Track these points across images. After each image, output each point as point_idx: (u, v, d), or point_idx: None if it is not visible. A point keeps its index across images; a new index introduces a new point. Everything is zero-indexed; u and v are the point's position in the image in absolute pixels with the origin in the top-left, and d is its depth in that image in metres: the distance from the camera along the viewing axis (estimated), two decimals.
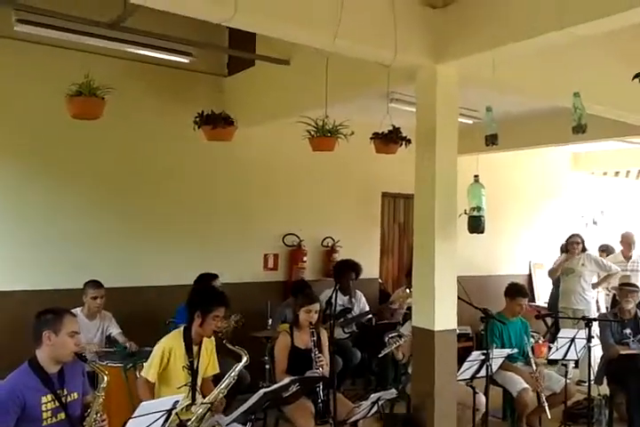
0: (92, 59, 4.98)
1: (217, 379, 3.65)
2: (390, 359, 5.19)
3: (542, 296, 8.90)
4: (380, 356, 4.81)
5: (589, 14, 3.05)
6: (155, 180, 5.74)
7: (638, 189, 10.59)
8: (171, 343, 3.51)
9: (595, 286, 6.95)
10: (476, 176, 3.85)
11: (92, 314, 4.69)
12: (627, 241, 7.28)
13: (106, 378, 2.80)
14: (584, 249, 6.91)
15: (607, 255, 7.74)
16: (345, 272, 6.07)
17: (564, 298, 6.94)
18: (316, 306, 4.23)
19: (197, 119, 5.03)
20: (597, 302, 7.55)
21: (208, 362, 3.65)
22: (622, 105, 4.77)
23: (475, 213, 3.82)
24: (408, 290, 6.06)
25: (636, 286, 5.39)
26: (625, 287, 5.32)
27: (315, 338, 4.10)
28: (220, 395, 3.38)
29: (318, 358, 4.03)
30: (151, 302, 5.39)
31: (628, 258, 7.21)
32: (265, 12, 3.17)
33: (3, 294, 4.91)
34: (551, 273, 7.14)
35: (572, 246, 6.85)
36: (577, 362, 5.78)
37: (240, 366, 3.47)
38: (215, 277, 5.22)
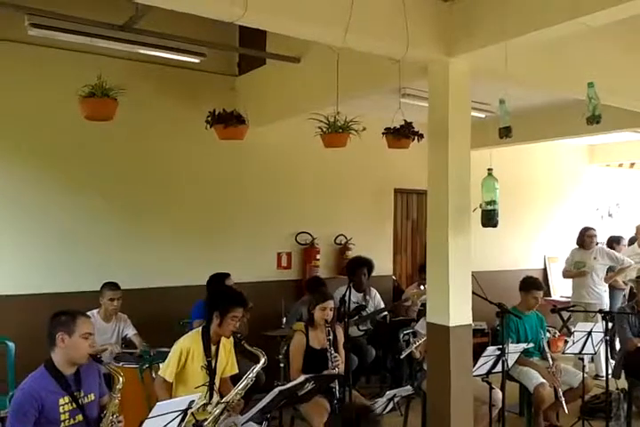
0: (105, 61, 5.02)
1: (234, 379, 3.67)
2: (405, 356, 5.18)
3: (558, 290, 8.84)
4: (401, 357, 4.81)
5: (602, 3, 3.01)
6: (168, 180, 5.76)
7: None
8: (189, 343, 3.53)
9: (607, 279, 6.90)
10: (489, 169, 3.81)
11: (109, 316, 4.70)
12: None
13: (121, 379, 2.81)
14: (596, 242, 6.88)
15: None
16: (357, 269, 6.06)
17: (575, 292, 6.94)
18: (331, 303, 4.22)
19: (209, 118, 5.04)
20: (625, 295, 7.42)
21: (227, 362, 3.66)
22: (636, 95, 4.71)
23: (488, 207, 3.79)
24: (422, 287, 6.05)
25: None
26: None
27: (331, 337, 4.09)
28: (238, 396, 3.38)
29: (334, 357, 4.02)
30: (165, 302, 5.42)
31: None
32: (275, 10, 3.16)
33: (17, 298, 4.94)
34: (566, 274, 7.09)
35: (590, 239, 6.80)
36: (592, 356, 5.73)
37: (258, 367, 3.47)
38: (227, 275, 5.23)
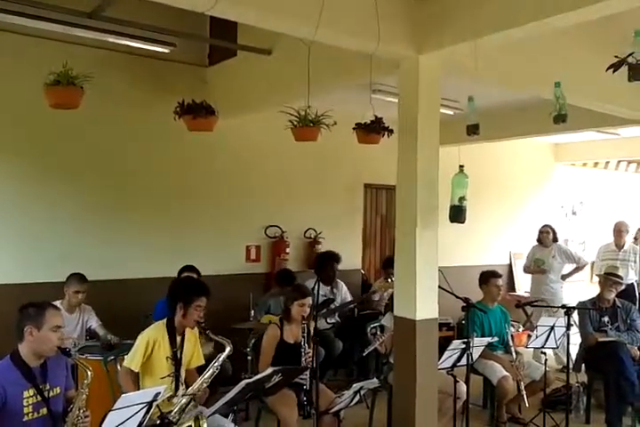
0: (72, 49, 4.92)
1: (200, 371, 3.65)
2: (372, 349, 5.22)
3: (522, 286, 9.01)
4: (364, 354, 4.85)
5: (566, 5, 3.07)
6: (135, 171, 5.69)
7: (617, 180, 10.73)
8: (155, 334, 3.50)
9: (564, 277, 7.09)
10: (461, 166, 3.86)
11: (72, 307, 4.63)
12: (619, 230, 7.22)
13: (90, 374, 2.76)
14: (555, 239, 7.06)
15: None
16: (326, 263, 6.09)
17: (532, 288, 7.25)
18: (309, 300, 4.21)
19: (178, 109, 4.98)
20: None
21: (192, 353, 3.65)
22: (602, 96, 4.82)
23: (458, 203, 3.84)
24: (389, 280, 6.11)
25: (621, 278, 5.47)
26: (611, 277, 5.39)
27: (306, 333, 4.09)
28: (204, 385, 3.38)
29: (307, 354, 4.03)
30: (132, 294, 5.35)
31: (620, 247, 7.21)
32: (247, 1, 3.14)
33: None
34: (526, 270, 7.35)
35: (542, 236, 7.10)
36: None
37: (224, 355, 3.46)
38: (192, 268, 5.19)
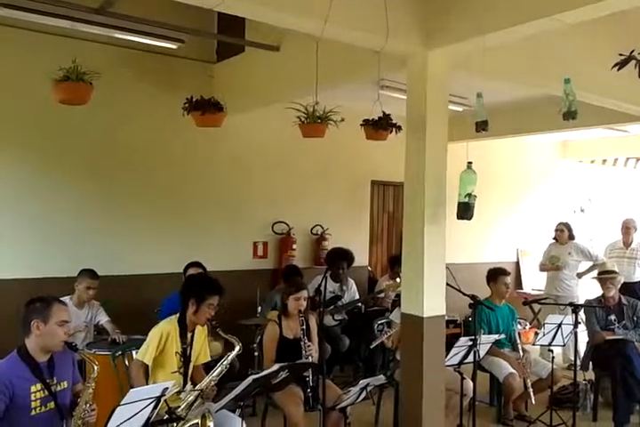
0: (80, 45, 4.92)
1: (207, 367, 3.67)
2: (379, 346, 5.23)
3: (529, 283, 8.98)
4: (371, 347, 4.85)
5: (575, 1, 3.04)
6: (144, 168, 5.70)
7: (625, 177, 10.67)
8: (168, 328, 3.52)
9: (580, 275, 7.04)
10: (469, 163, 3.84)
11: (82, 303, 4.65)
12: (626, 227, 7.17)
13: (96, 368, 2.77)
14: (571, 237, 7.01)
15: None
16: (337, 261, 6.07)
17: (547, 285, 7.16)
18: (305, 293, 4.23)
19: (186, 105, 4.99)
20: None
21: (200, 350, 3.66)
22: (612, 93, 4.78)
23: (466, 200, 3.82)
24: (397, 279, 6.11)
25: (614, 272, 5.42)
26: (603, 275, 5.36)
27: (304, 327, 4.10)
28: (212, 382, 3.39)
29: (308, 347, 4.04)
30: (140, 290, 5.38)
31: (627, 245, 7.16)
32: None
33: None
34: (541, 268, 7.25)
35: (557, 234, 7.05)
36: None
37: (233, 354, 3.48)
38: (198, 264, 5.19)
